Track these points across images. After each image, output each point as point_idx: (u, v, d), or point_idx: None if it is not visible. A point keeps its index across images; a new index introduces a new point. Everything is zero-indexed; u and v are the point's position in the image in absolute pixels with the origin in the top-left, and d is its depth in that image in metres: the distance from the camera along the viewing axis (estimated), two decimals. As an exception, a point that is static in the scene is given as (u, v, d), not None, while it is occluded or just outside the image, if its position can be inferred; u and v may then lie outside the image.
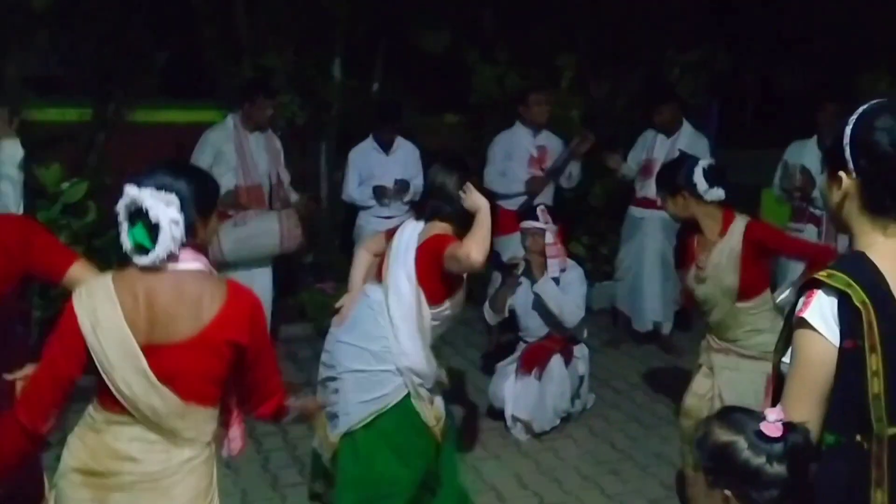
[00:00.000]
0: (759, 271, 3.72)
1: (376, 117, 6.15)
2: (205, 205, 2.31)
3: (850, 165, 1.75)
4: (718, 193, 3.69)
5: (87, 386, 2.30)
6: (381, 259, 3.54)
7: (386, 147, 6.05)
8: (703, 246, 3.77)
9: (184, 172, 2.32)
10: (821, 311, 1.70)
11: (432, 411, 3.46)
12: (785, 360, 1.81)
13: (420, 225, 3.46)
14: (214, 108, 6.37)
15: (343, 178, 6.24)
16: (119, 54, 6.62)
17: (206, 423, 2.31)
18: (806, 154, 5.44)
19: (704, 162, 3.76)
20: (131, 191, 2.19)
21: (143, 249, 2.19)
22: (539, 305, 4.92)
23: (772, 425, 1.63)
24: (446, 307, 3.45)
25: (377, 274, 3.51)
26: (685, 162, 3.87)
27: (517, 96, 6.26)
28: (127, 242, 2.22)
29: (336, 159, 7.08)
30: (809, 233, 5.42)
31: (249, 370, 2.34)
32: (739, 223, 3.71)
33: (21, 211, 4.23)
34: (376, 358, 3.37)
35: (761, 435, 1.62)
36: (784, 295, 3.68)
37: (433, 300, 3.39)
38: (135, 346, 2.18)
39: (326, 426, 3.53)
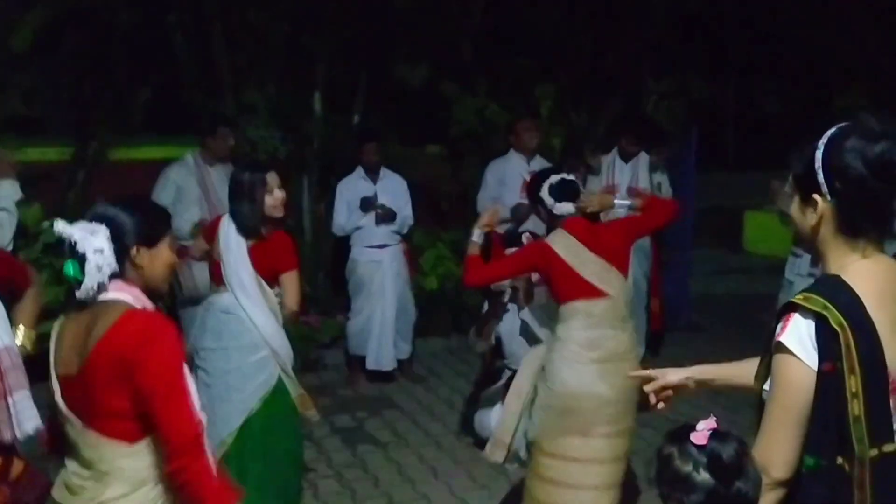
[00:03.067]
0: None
1: (358, 141, 6.21)
2: (147, 232, 2.26)
3: (824, 188, 1.76)
4: (567, 208, 3.76)
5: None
6: (213, 266, 3.90)
7: (373, 176, 6.11)
8: None
9: (122, 203, 2.28)
10: (798, 335, 1.71)
11: (296, 388, 3.84)
12: (766, 387, 1.81)
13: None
14: (196, 144, 6.38)
15: (329, 212, 6.26)
16: (100, 92, 6.64)
17: (125, 459, 2.18)
18: None
19: (555, 177, 3.79)
20: (60, 227, 2.18)
21: (77, 284, 2.18)
22: (526, 332, 4.90)
23: (699, 434, 1.67)
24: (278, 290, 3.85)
25: (216, 281, 3.86)
26: (538, 177, 3.91)
27: (507, 128, 6.38)
28: (67, 279, 2.22)
29: (318, 193, 7.10)
30: (805, 260, 5.44)
31: (148, 409, 2.14)
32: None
33: (10, 248, 4.32)
34: (249, 350, 3.71)
35: (691, 444, 1.67)
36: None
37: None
38: (54, 378, 2.25)
39: None
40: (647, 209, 4.06)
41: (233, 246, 3.79)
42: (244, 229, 3.80)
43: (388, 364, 6.19)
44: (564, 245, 3.72)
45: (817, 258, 1.86)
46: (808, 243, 1.85)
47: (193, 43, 6.89)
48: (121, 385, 2.13)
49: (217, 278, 3.85)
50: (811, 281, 5.72)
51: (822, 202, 1.77)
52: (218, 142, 5.63)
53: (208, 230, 4.06)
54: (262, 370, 3.74)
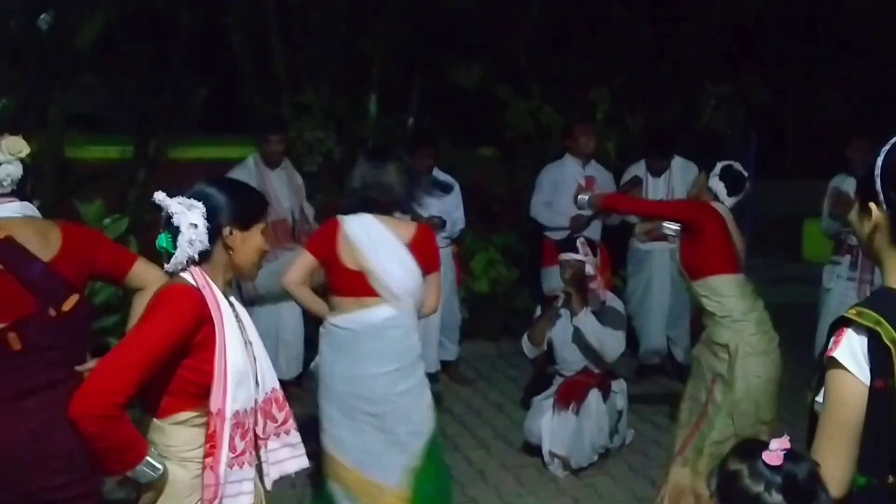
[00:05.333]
0: None
1: (413, 144, 6.12)
2: (243, 214, 2.29)
3: (881, 197, 1.71)
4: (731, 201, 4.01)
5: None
6: (351, 279, 3.47)
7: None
8: None
9: (220, 183, 2.33)
10: (851, 350, 1.67)
11: None
12: (818, 399, 1.77)
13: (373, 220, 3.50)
14: (253, 144, 6.46)
15: None
16: (159, 92, 6.76)
17: (154, 433, 2.21)
18: (846, 187, 5.42)
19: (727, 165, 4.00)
20: (160, 199, 2.22)
21: (168, 256, 2.23)
22: (578, 339, 4.88)
23: (773, 454, 1.62)
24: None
25: (361, 295, 3.46)
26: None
27: (564, 131, 6.34)
28: (159, 251, 2.25)
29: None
30: (844, 264, 5.37)
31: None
32: None
33: None
34: (414, 367, 3.57)
35: (763, 463, 1.62)
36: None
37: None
38: None
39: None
40: None
41: (381, 244, 3.46)
42: (406, 207, 3.66)
43: (430, 366, 6.18)
44: (726, 213, 3.91)
45: (879, 267, 1.81)
46: (869, 252, 1.81)
47: (251, 43, 6.98)
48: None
49: (356, 290, 3.47)
50: (851, 285, 5.68)
51: (876, 211, 1.72)
52: (269, 147, 5.70)
53: (320, 239, 3.68)
54: (426, 386, 3.64)
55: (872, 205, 1.73)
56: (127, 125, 6.81)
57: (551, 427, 4.81)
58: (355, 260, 3.45)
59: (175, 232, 2.20)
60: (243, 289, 5.45)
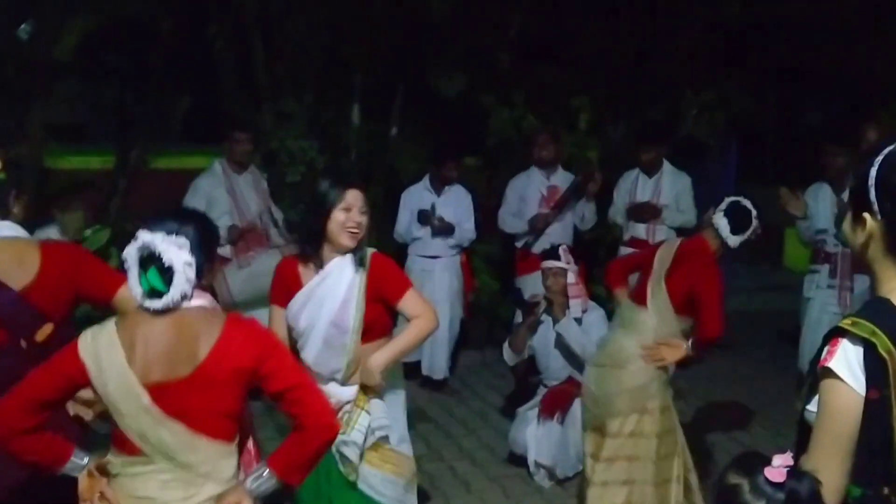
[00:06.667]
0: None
1: (437, 156, 6.19)
2: (210, 248, 2.38)
3: (875, 207, 1.71)
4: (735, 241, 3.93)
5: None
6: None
7: (437, 187, 6.15)
8: None
9: (190, 218, 2.38)
10: (846, 361, 1.66)
11: None
12: (809, 407, 1.77)
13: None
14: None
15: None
16: (140, 102, 6.73)
17: (223, 458, 2.30)
18: (821, 196, 5.38)
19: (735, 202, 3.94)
20: (144, 236, 2.24)
21: (156, 293, 2.23)
22: (561, 345, 4.87)
23: (775, 470, 1.61)
24: None
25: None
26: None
27: (524, 141, 6.43)
28: (138, 287, 2.25)
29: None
30: (823, 272, 5.36)
31: (275, 390, 2.31)
32: None
33: None
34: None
35: (764, 479, 1.61)
36: None
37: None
38: (136, 385, 2.23)
39: None
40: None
41: None
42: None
43: (438, 373, 6.20)
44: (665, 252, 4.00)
45: (870, 276, 1.81)
46: (862, 263, 1.81)
47: (233, 52, 6.95)
48: (235, 388, 2.28)
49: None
50: (831, 293, 5.63)
51: (871, 221, 1.72)
52: (235, 146, 5.65)
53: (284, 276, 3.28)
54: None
55: (867, 215, 1.72)
56: (108, 135, 6.78)
57: (536, 437, 4.79)
58: None
59: (165, 269, 2.23)
60: (219, 295, 5.43)
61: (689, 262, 3.86)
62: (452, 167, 6.13)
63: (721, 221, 3.82)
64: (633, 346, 3.92)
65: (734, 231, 3.82)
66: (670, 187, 5.98)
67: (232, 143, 5.67)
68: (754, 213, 3.85)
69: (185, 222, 2.31)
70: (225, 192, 5.62)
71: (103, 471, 2.29)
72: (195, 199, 5.52)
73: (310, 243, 3.18)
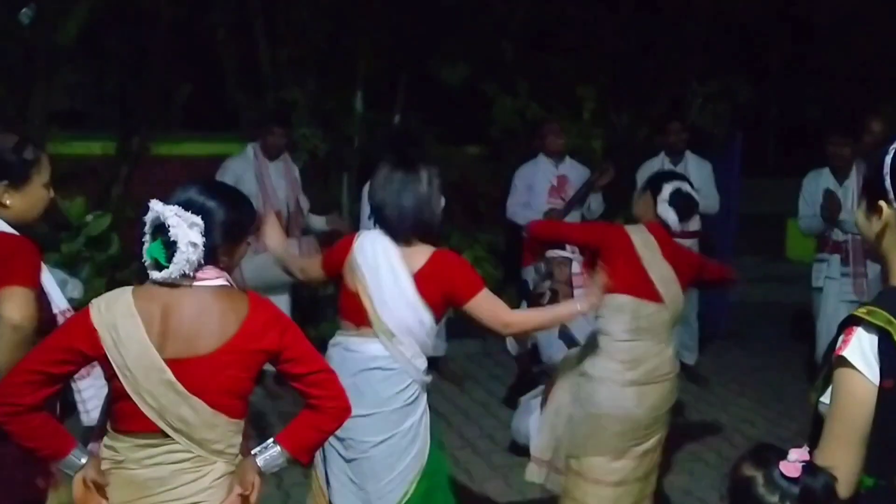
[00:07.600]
0: None
1: (394, 144, 6.07)
2: (235, 231, 2.29)
3: (891, 195, 1.70)
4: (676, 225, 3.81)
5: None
6: (349, 301, 3.07)
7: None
8: None
9: (219, 194, 2.29)
10: (861, 349, 1.65)
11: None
12: (823, 399, 1.76)
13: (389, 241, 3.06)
14: (236, 140, 6.40)
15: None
16: (142, 88, 6.70)
17: (235, 436, 2.28)
18: (822, 184, 5.37)
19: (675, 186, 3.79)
20: (156, 206, 2.18)
21: (158, 265, 2.19)
22: (565, 335, 4.85)
23: (790, 465, 1.60)
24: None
25: (359, 323, 3.03)
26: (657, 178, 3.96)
27: (532, 131, 6.33)
28: (145, 256, 2.21)
29: (357, 191, 7.08)
30: (833, 261, 5.33)
31: (297, 372, 2.32)
32: None
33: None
34: (399, 415, 3.03)
35: (780, 473, 1.60)
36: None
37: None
38: (158, 359, 2.16)
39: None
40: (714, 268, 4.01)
41: (385, 269, 3.01)
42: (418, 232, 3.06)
43: (438, 349, 6.13)
44: (642, 238, 3.67)
45: (882, 265, 1.79)
46: (875, 251, 1.79)
47: (235, 39, 6.92)
48: (255, 368, 2.28)
49: (354, 315, 3.06)
50: (846, 281, 5.60)
51: (886, 209, 1.71)
52: (271, 140, 5.73)
53: (336, 251, 3.20)
54: (417, 439, 3.07)
55: (882, 203, 1.72)
56: (109, 121, 6.75)
57: (538, 427, 4.77)
58: (353, 281, 3.05)
59: (169, 244, 2.16)
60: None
61: (668, 246, 3.72)
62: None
63: (668, 213, 3.70)
64: (670, 355, 3.71)
65: (681, 220, 3.76)
66: (697, 174, 5.94)
67: (267, 134, 5.74)
68: (694, 196, 3.79)
69: (209, 198, 2.23)
70: (254, 176, 5.65)
71: (99, 485, 2.20)
72: (224, 179, 5.47)
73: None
